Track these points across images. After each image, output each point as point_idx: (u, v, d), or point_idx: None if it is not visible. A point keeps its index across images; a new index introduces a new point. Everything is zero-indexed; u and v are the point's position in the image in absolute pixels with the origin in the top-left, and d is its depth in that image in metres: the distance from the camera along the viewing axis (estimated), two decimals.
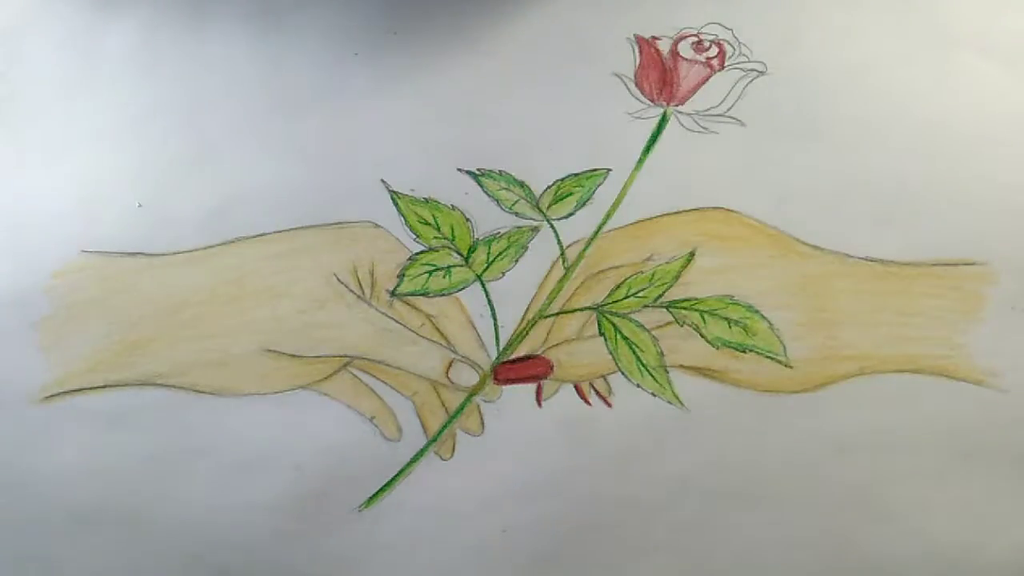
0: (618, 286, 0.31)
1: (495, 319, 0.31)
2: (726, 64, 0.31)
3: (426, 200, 0.31)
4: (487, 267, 0.31)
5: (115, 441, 0.30)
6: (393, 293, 0.31)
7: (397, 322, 0.31)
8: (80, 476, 0.30)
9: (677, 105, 0.31)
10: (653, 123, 0.31)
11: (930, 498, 0.30)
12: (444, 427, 0.31)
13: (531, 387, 0.31)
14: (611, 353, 0.31)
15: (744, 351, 0.31)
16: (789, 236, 0.31)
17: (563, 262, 0.31)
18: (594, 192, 0.31)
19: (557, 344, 0.31)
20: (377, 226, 0.31)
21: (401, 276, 0.31)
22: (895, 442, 0.31)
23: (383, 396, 0.31)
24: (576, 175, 0.31)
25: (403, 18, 0.31)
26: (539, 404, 0.31)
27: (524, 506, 0.31)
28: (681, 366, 0.31)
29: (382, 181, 0.31)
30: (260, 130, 0.31)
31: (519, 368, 0.31)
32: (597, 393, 0.31)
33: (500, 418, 0.31)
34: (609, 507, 0.31)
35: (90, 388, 0.30)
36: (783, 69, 0.31)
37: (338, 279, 0.31)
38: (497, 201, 0.31)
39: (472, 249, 0.31)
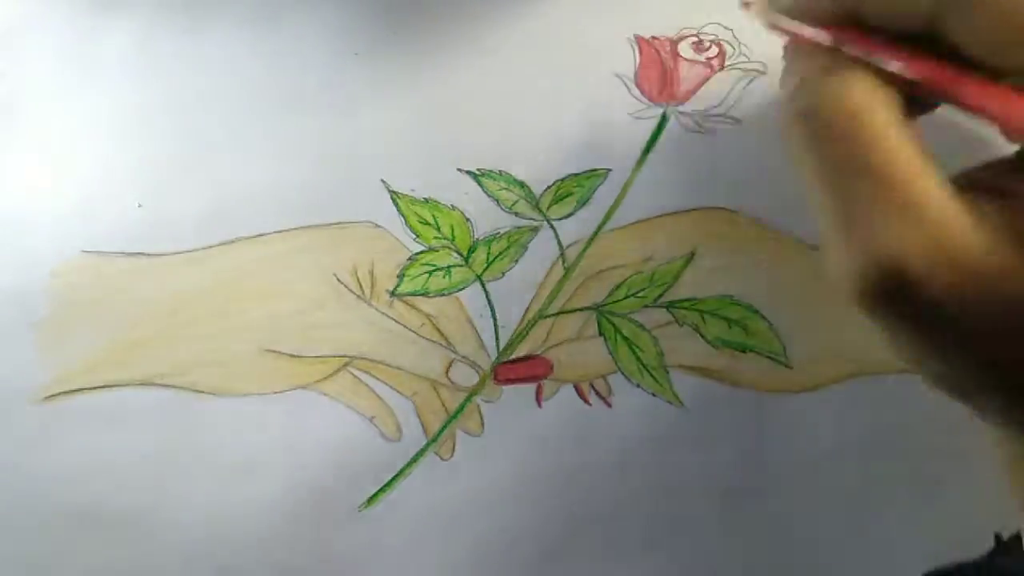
0: (618, 286, 0.31)
1: (495, 319, 0.31)
2: (726, 64, 0.31)
3: (426, 200, 0.31)
4: (487, 267, 0.31)
5: (115, 441, 0.30)
6: (393, 293, 0.31)
7: (397, 322, 0.31)
8: (80, 476, 0.30)
9: (677, 105, 0.31)
10: (653, 123, 0.31)
11: (929, 499, 0.30)
12: (444, 427, 0.31)
13: (531, 387, 0.31)
14: (611, 353, 0.31)
15: (744, 351, 0.31)
16: (789, 236, 0.31)
17: (563, 262, 0.31)
18: (594, 192, 0.31)
19: (557, 344, 0.31)
20: (377, 226, 0.31)
21: (401, 276, 0.31)
22: (894, 443, 0.31)
23: (383, 396, 0.31)
24: (576, 175, 0.31)
25: (403, 18, 0.31)
26: (539, 404, 0.31)
27: (524, 506, 0.31)
28: (681, 366, 0.31)
29: (382, 181, 0.31)
30: (260, 130, 0.31)
31: (519, 368, 0.31)
32: (597, 393, 0.31)
33: (500, 418, 0.31)
34: (609, 507, 0.31)
35: (90, 388, 0.30)
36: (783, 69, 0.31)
37: (338, 279, 0.31)
38: (497, 201, 0.31)
39: (472, 249, 0.31)
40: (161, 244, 0.30)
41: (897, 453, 0.31)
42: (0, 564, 0.30)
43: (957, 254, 0.18)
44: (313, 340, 0.30)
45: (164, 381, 0.30)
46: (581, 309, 0.31)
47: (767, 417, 0.31)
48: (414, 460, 0.31)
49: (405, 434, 0.31)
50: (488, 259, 0.31)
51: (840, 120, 0.20)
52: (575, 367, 0.31)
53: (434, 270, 0.31)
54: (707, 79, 0.31)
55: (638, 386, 0.31)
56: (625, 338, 0.31)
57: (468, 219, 0.31)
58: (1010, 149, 0.21)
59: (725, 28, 0.32)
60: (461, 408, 0.31)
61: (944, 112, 0.22)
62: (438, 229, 0.31)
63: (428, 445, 0.31)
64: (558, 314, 0.31)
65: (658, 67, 0.31)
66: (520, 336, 0.31)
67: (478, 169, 0.31)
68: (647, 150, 0.31)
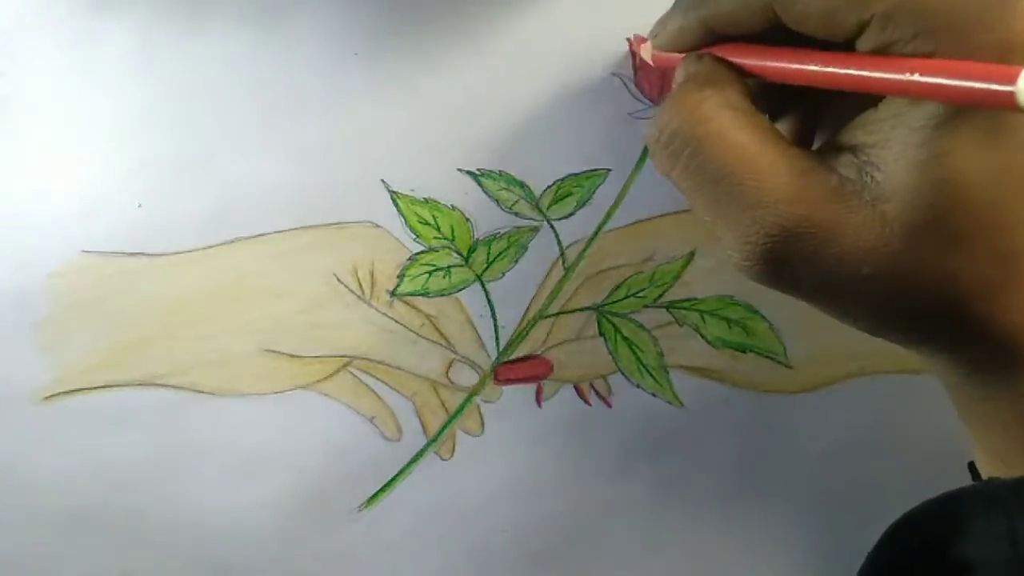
0: (618, 286, 0.31)
1: (495, 319, 0.31)
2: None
3: (426, 200, 0.31)
4: (487, 267, 0.31)
5: (115, 441, 0.30)
6: (393, 293, 0.31)
7: (397, 322, 0.31)
8: (80, 476, 0.30)
9: None
10: None
11: (929, 498, 0.30)
12: (444, 427, 0.31)
13: (531, 387, 0.31)
14: (611, 353, 0.31)
15: (744, 351, 0.31)
16: None
17: (563, 262, 0.31)
18: (594, 192, 0.31)
19: (557, 344, 0.31)
20: (377, 226, 0.31)
21: (401, 276, 0.31)
22: (894, 442, 0.31)
23: (383, 396, 0.31)
24: (576, 175, 0.31)
25: (403, 18, 0.31)
26: (539, 404, 0.31)
27: (524, 506, 0.31)
28: (681, 366, 0.31)
29: (382, 181, 0.31)
30: (260, 130, 0.31)
31: (519, 368, 0.31)
32: (597, 393, 0.31)
33: (500, 418, 0.31)
34: (609, 507, 0.31)
35: (90, 388, 0.30)
36: None
37: (338, 279, 0.31)
38: (497, 201, 0.31)
39: (472, 249, 0.31)
40: (161, 244, 0.30)
41: (897, 453, 0.31)
42: (0, 564, 0.30)
43: (804, 229, 0.21)
44: (313, 340, 0.30)
45: (164, 381, 0.30)
46: (581, 309, 0.31)
47: (767, 417, 0.31)
48: (414, 460, 0.31)
49: (405, 434, 0.31)
50: (488, 259, 0.31)
51: (688, 140, 0.23)
52: (575, 367, 0.31)
53: (434, 270, 0.31)
54: None
55: (638, 386, 0.31)
56: (625, 338, 0.31)
57: (468, 219, 0.31)
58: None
59: None
60: (461, 408, 0.31)
61: None
62: (438, 229, 0.31)
63: (428, 445, 0.31)
64: (558, 314, 0.31)
65: (658, 67, 0.31)
66: (520, 336, 0.31)
67: (478, 169, 0.31)
68: (647, 150, 0.31)
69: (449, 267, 0.31)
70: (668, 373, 0.31)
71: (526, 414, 0.31)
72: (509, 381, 0.31)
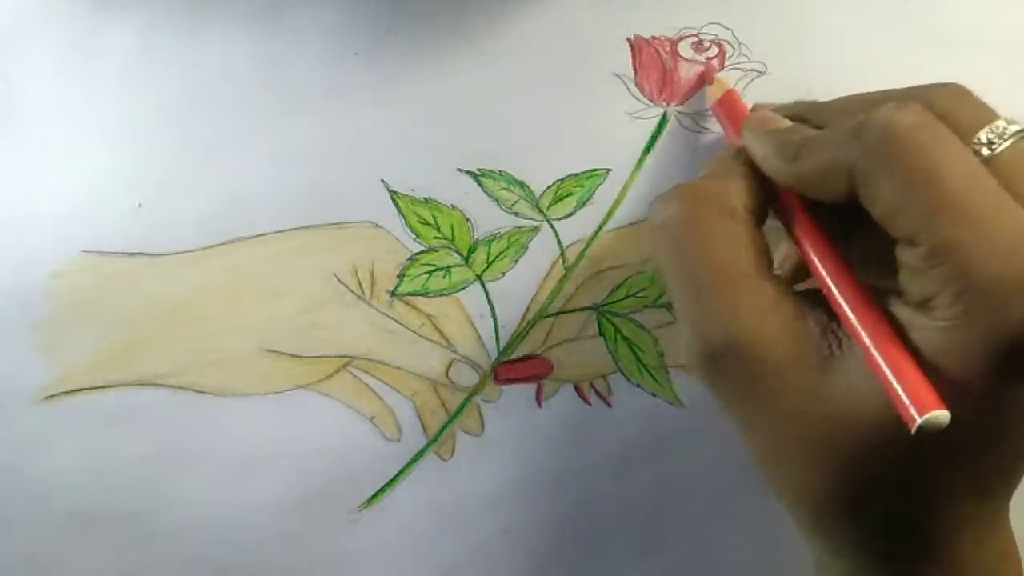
0: (618, 286, 0.31)
1: (495, 319, 0.31)
2: (726, 64, 0.31)
3: (426, 200, 0.31)
4: (487, 267, 0.31)
5: (115, 441, 0.30)
6: (393, 293, 0.31)
7: (397, 322, 0.31)
8: (80, 476, 0.30)
9: (677, 105, 0.31)
10: (653, 123, 0.31)
11: None
12: (444, 427, 0.31)
13: (531, 387, 0.31)
14: (611, 353, 0.31)
15: None
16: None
17: (563, 262, 0.31)
18: (594, 192, 0.31)
19: (557, 344, 0.31)
20: (377, 226, 0.31)
21: (401, 276, 0.31)
22: None
23: (383, 396, 0.31)
24: (576, 175, 0.31)
25: (403, 18, 0.31)
26: (539, 404, 0.31)
27: (524, 506, 0.31)
28: (681, 366, 0.31)
29: (382, 181, 0.31)
30: (260, 130, 0.31)
31: (519, 368, 0.31)
32: (597, 393, 0.31)
33: (500, 418, 0.31)
34: (609, 507, 0.31)
35: (90, 388, 0.30)
36: (783, 69, 0.31)
37: (338, 279, 0.31)
38: (497, 201, 0.31)
39: (472, 249, 0.31)
40: (161, 244, 0.30)
41: None
42: (0, 564, 0.30)
43: (748, 358, 0.22)
44: (313, 340, 0.30)
45: (164, 381, 0.30)
46: (581, 309, 0.31)
47: None
48: (414, 460, 0.31)
49: (405, 434, 0.31)
50: (488, 259, 0.31)
51: (675, 231, 0.24)
52: (575, 367, 0.31)
53: (434, 270, 0.31)
54: (707, 79, 0.31)
55: (638, 386, 0.31)
56: (625, 338, 0.31)
57: (468, 219, 0.31)
58: None
59: (725, 28, 0.32)
60: (461, 408, 0.31)
61: None
62: (438, 229, 0.31)
63: (428, 445, 0.31)
64: (558, 314, 0.31)
65: (658, 67, 0.31)
66: (520, 336, 0.31)
67: (478, 169, 0.31)
68: (647, 150, 0.31)
69: (449, 267, 0.31)
70: (668, 373, 0.31)
71: (526, 414, 0.31)
72: (509, 381, 0.31)
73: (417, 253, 0.31)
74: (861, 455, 0.21)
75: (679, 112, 0.31)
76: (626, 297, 0.31)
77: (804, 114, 0.27)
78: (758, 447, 0.24)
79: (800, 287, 0.25)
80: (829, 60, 0.32)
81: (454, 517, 0.31)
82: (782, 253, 0.28)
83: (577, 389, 0.31)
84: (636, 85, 0.31)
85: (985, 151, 0.22)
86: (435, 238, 0.31)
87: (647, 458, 0.31)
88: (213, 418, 0.30)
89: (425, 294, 0.31)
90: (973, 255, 0.20)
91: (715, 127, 0.31)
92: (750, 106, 0.29)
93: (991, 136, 0.23)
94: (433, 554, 0.31)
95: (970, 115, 0.23)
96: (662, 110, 0.31)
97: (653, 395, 0.31)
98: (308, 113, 0.31)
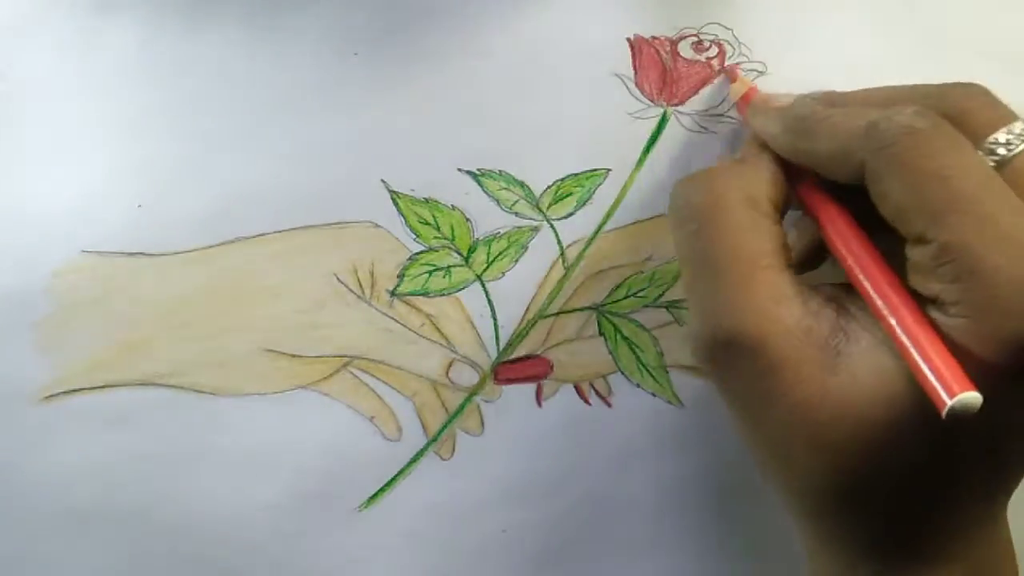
0: (618, 286, 0.31)
1: (495, 319, 0.31)
2: (726, 64, 0.31)
3: (426, 200, 0.31)
4: (487, 267, 0.31)
5: (115, 441, 0.30)
6: (393, 293, 0.31)
7: (397, 322, 0.31)
8: (80, 476, 0.30)
9: (677, 105, 0.31)
10: (653, 123, 0.31)
11: None
12: (444, 427, 0.31)
13: (531, 387, 0.31)
14: (611, 353, 0.31)
15: None
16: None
17: (563, 262, 0.31)
18: (594, 192, 0.31)
19: (557, 344, 0.31)
20: (377, 226, 0.31)
21: (401, 276, 0.31)
22: None
23: (383, 396, 0.31)
24: (576, 175, 0.31)
25: (403, 18, 0.31)
26: (539, 404, 0.31)
27: (524, 506, 0.31)
28: (681, 366, 0.31)
29: (382, 181, 0.31)
30: (260, 130, 0.31)
31: (519, 368, 0.31)
32: (597, 393, 0.31)
33: (500, 418, 0.31)
34: (609, 507, 0.31)
35: (90, 388, 0.30)
36: (783, 69, 0.31)
37: (338, 279, 0.31)
38: (497, 201, 0.31)
39: (472, 249, 0.31)
40: (161, 244, 0.30)
41: None
42: (0, 564, 0.30)
43: (753, 350, 0.22)
44: (313, 340, 0.30)
45: (164, 381, 0.30)
46: (581, 309, 0.31)
47: None
48: (414, 460, 0.31)
49: (405, 434, 0.31)
50: (488, 259, 0.31)
51: (697, 216, 0.24)
52: (575, 367, 0.31)
53: (434, 270, 0.31)
54: (707, 79, 0.31)
55: (638, 386, 0.31)
56: (625, 338, 0.31)
57: (468, 219, 0.31)
58: None
59: (725, 28, 0.32)
60: (461, 408, 0.31)
61: None
62: (438, 229, 0.31)
63: (428, 445, 0.31)
64: (558, 314, 0.31)
65: (658, 67, 0.31)
66: (520, 336, 0.31)
67: (478, 169, 0.31)
68: (647, 150, 0.31)
69: (449, 267, 0.31)
70: (668, 373, 0.31)
71: (526, 414, 0.31)
72: (509, 381, 0.31)
73: (417, 253, 0.31)
74: (866, 453, 0.21)
75: (679, 112, 0.31)
76: (626, 297, 0.31)
77: (828, 103, 0.27)
78: (759, 441, 0.24)
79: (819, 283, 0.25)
80: (829, 60, 0.32)
81: (454, 517, 0.31)
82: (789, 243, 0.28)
83: (577, 389, 0.31)
84: (636, 85, 0.31)
85: (1002, 151, 0.22)
86: (435, 238, 0.31)
87: (647, 458, 0.31)
88: (213, 418, 0.30)
89: (425, 294, 0.31)
90: (981, 255, 0.20)
91: (715, 127, 0.31)
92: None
93: (1009, 137, 0.23)
94: (433, 554, 0.31)
95: (988, 115, 0.23)
96: (662, 110, 0.31)
97: (653, 395, 0.31)
98: (308, 113, 0.31)
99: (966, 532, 0.23)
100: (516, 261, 0.31)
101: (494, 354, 0.31)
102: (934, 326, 0.21)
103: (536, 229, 0.31)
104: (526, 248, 0.31)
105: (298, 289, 0.30)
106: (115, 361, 0.30)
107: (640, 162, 0.31)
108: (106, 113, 0.30)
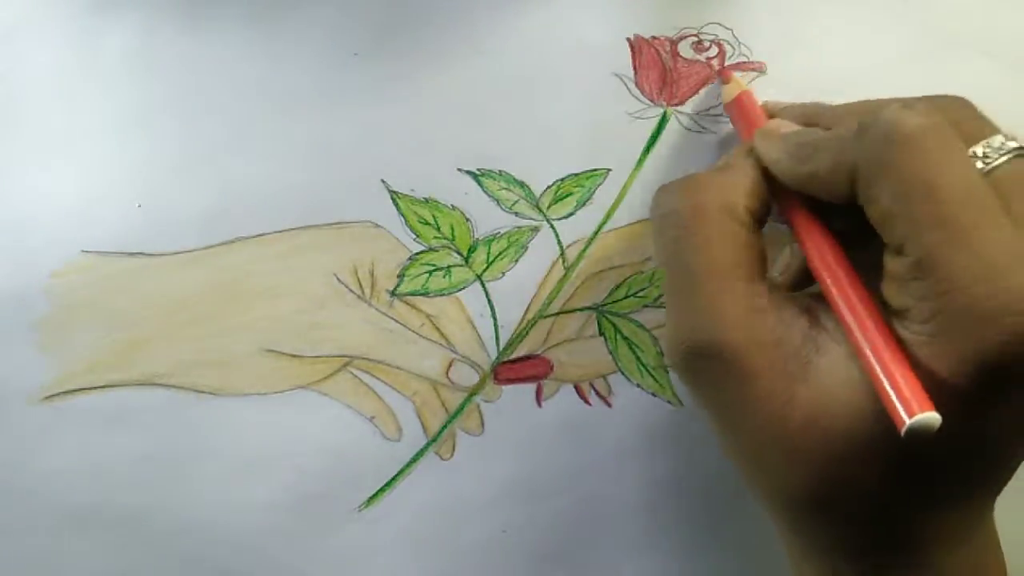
0: (618, 286, 0.31)
1: (495, 319, 0.31)
2: (726, 64, 0.31)
3: (426, 200, 0.31)
4: (487, 267, 0.31)
5: (115, 441, 0.30)
6: (393, 293, 0.31)
7: (397, 322, 0.31)
8: (80, 476, 0.30)
9: (677, 105, 0.31)
10: (653, 123, 0.31)
11: None
12: (444, 427, 0.31)
13: (531, 387, 0.31)
14: (611, 353, 0.31)
15: None
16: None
17: (563, 262, 0.31)
18: (594, 192, 0.31)
19: (557, 344, 0.31)
20: (377, 226, 0.31)
21: (401, 276, 0.31)
22: None
23: (383, 396, 0.31)
24: (576, 175, 0.31)
25: (403, 18, 0.31)
26: (539, 404, 0.31)
27: (524, 506, 0.31)
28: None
29: (382, 181, 0.31)
30: (260, 130, 0.31)
31: (519, 368, 0.31)
32: (597, 393, 0.31)
33: (500, 418, 0.31)
34: (609, 507, 0.31)
35: (90, 388, 0.30)
36: (783, 69, 0.31)
37: (338, 279, 0.31)
38: (497, 201, 0.31)
39: (472, 249, 0.31)
40: (161, 244, 0.30)
41: None
42: (0, 564, 0.30)
43: (727, 359, 0.22)
44: (313, 340, 0.30)
45: (164, 381, 0.30)
46: (581, 309, 0.31)
47: None
48: (414, 460, 0.31)
49: (405, 434, 0.31)
50: (488, 259, 0.31)
51: (676, 223, 0.24)
52: (575, 367, 0.31)
53: (434, 270, 0.31)
54: (707, 79, 0.31)
55: (638, 386, 0.31)
56: (625, 338, 0.31)
57: (468, 219, 0.31)
58: None
59: (725, 28, 0.32)
60: (461, 408, 0.31)
61: None
62: (438, 229, 0.31)
63: (428, 445, 0.31)
64: (558, 314, 0.31)
65: (658, 67, 0.31)
66: (520, 336, 0.31)
67: (478, 169, 0.31)
68: (647, 150, 0.31)
69: (449, 267, 0.31)
70: (668, 373, 0.31)
71: (526, 414, 0.31)
72: (509, 381, 0.31)
73: (417, 253, 0.31)
74: (837, 459, 0.22)
75: (679, 112, 0.31)
76: (626, 297, 0.31)
77: (814, 115, 0.27)
78: (734, 448, 0.24)
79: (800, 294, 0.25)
80: (829, 60, 0.32)
81: (454, 517, 0.31)
82: (784, 259, 0.28)
83: (577, 389, 0.31)
84: (636, 85, 0.31)
85: (979, 164, 0.22)
86: (435, 238, 0.31)
87: (647, 458, 0.31)
88: (213, 418, 0.30)
89: (425, 294, 0.31)
90: (956, 274, 0.20)
91: (715, 127, 0.31)
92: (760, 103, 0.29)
93: (987, 151, 0.22)
94: (433, 554, 0.31)
95: (968, 127, 0.23)
96: (662, 110, 0.31)
97: (653, 395, 0.31)
98: (308, 113, 0.31)
99: (947, 536, 0.23)
100: (516, 261, 0.31)
101: (494, 354, 0.31)
102: (899, 340, 0.21)
103: (536, 229, 0.31)
104: (526, 248, 0.31)
105: (298, 289, 0.30)
106: (115, 361, 0.30)
107: (640, 162, 0.31)
108: (106, 113, 0.30)
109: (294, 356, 0.30)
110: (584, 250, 0.31)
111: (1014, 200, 0.21)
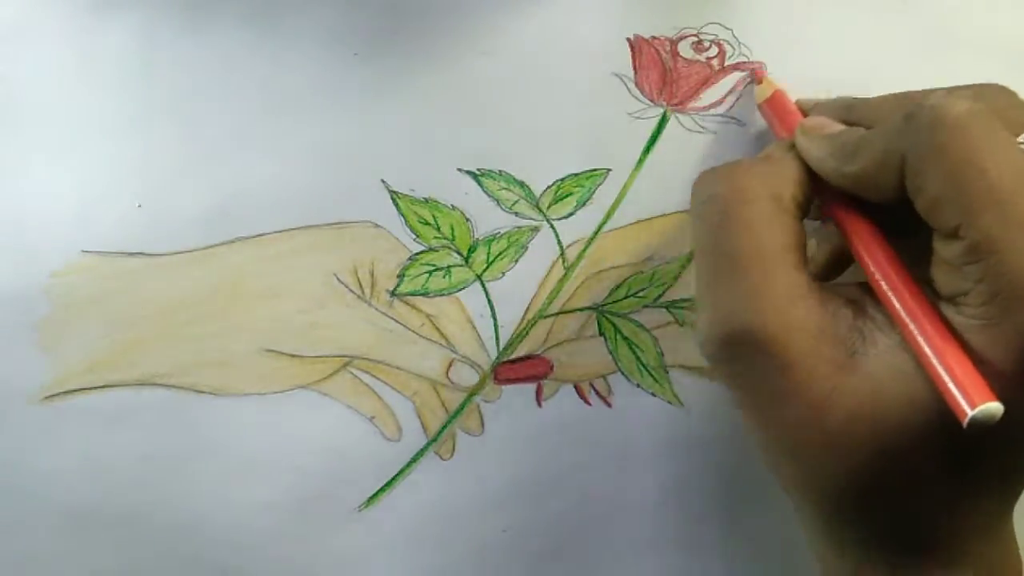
0: (618, 286, 0.31)
1: (495, 319, 0.31)
2: (726, 64, 0.31)
3: (426, 200, 0.31)
4: (487, 267, 0.31)
5: (115, 441, 0.30)
6: (393, 293, 0.31)
7: (397, 322, 0.31)
8: (80, 476, 0.30)
9: (677, 105, 0.31)
10: (653, 123, 0.31)
11: None
12: (444, 427, 0.31)
13: (531, 387, 0.31)
14: (611, 353, 0.31)
15: None
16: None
17: (563, 262, 0.31)
18: (594, 192, 0.31)
19: (557, 344, 0.31)
20: (377, 226, 0.31)
21: (401, 276, 0.31)
22: None
23: (383, 396, 0.31)
24: (576, 175, 0.31)
25: (403, 18, 0.31)
26: (539, 404, 0.31)
27: (524, 506, 0.31)
28: (681, 366, 0.31)
29: (382, 181, 0.31)
30: (260, 130, 0.31)
31: (519, 368, 0.31)
32: (597, 393, 0.31)
33: (500, 418, 0.31)
34: (609, 507, 0.31)
35: (90, 388, 0.30)
36: (783, 69, 0.31)
37: (338, 279, 0.31)
38: (497, 201, 0.31)
39: (472, 249, 0.31)
40: (161, 244, 0.30)
41: None
42: (0, 564, 0.30)
43: (765, 346, 0.22)
44: (313, 340, 0.30)
45: (164, 381, 0.30)
46: (581, 309, 0.31)
47: None
48: (414, 460, 0.31)
49: (405, 434, 0.31)
50: (488, 259, 0.31)
51: (720, 207, 0.23)
52: (575, 367, 0.31)
53: (434, 270, 0.31)
54: (707, 79, 0.31)
55: (638, 386, 0.31)
56: (625, 338, 0.31)
57: (468, 219, 0.31)
58: None
59: (725, 28, 0.32)
60: (461, 408, 0.31)
61: None
62: (438, 229, 0.31)
63: (428, 445, 0.31)
64: (558, 314, 0.31)
65: (658, 67, 0.31)
66: (520, 336, 0.31)
67: (478, 169, 0.31)
68: (647, 150, 0.31)
69: (449, 267, 0.31)
70: (668, 373, 0.31)
71: (526, 414, 0.31)
72: (509, 381, 0.31)
73: (417, 253, 0.31)
74: (882, 454, 0.21)
75: (679, 112, 0.31)
76: (626, 297, 0.31)
77: (848, 109, 0.27)
78: (771, 440, 0.23)
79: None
80: (829, 60, 0.32)
81: (454, 517, 0.31)
82: (809, 251, 0.28)
83: (577, 389, 0.31)
84: (636, 85, 0.31)
85: None
86: (435, 238, 0.31)
87: (647, 458, 0.31)
88: (213, 418, 0.30)
89: (425, 294, 0.31)
90: (1012, 257, 0.20)
91: (715, 127, 0.31)
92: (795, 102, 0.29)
93: None
94: (433, 554, 0.31)
95: (1011, 115, 0.23)
96: (662, 110, 0.31)
97: (653, 395, 0.31)
98: (308, 113, 0.31)
99: (985, 526, 0.22)
100: (516, 261, 0.31)
101: (494, 354, 0.31)
102: (949, 326, 0.21)
103: (536, 229, 0.31)
104: (526, 248, 0.31)
105: (298, 289, 0.30)
106: (115, 361, 0.30)
107: (640, 162, 0.31)
108: (106, 113, 0.30)
109: (294, 356, 0.30)
110: (584, 250, 0.31)
111: None
